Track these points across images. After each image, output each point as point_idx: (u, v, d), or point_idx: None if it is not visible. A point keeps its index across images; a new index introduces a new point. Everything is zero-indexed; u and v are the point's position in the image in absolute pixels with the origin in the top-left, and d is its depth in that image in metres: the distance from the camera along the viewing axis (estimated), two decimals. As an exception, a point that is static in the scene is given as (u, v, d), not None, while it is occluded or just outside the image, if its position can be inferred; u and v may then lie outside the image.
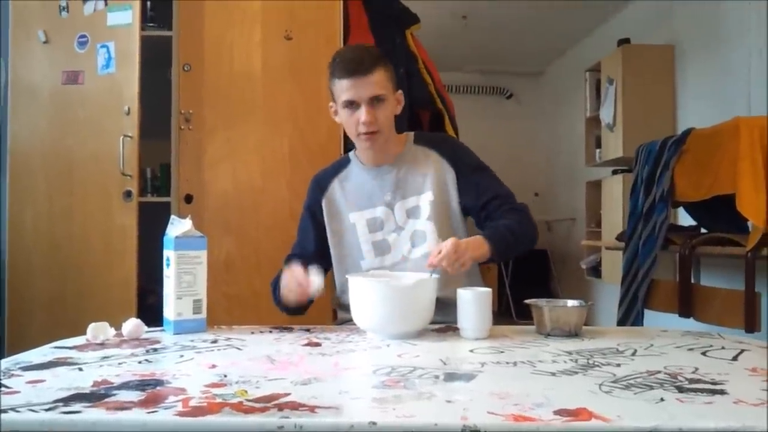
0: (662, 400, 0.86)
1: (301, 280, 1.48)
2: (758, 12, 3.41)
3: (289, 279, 1.52)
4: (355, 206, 1.71)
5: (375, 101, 1.60)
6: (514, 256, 1.70)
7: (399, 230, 1.68)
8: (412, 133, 1.78)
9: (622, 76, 4.36)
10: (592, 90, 5.03)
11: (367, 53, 1.62)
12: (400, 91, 1.70)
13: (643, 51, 4.42)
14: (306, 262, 1.53)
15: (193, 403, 0.83)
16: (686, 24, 4.21)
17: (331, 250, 1.72)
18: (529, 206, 1.70)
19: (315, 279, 1.46)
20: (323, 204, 1.73)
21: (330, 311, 1.83)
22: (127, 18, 2.67)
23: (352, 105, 1.61)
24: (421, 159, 1.72)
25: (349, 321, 1.55)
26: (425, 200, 1.67)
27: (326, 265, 1.70)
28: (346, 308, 1.61)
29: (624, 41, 4.49)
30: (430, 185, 1.68)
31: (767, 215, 2.23)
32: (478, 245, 1.49)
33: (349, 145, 2.79)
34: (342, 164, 1.79)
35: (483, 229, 1.62)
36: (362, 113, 1.59)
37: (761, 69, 3.38)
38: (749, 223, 2.36)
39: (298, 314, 1.64)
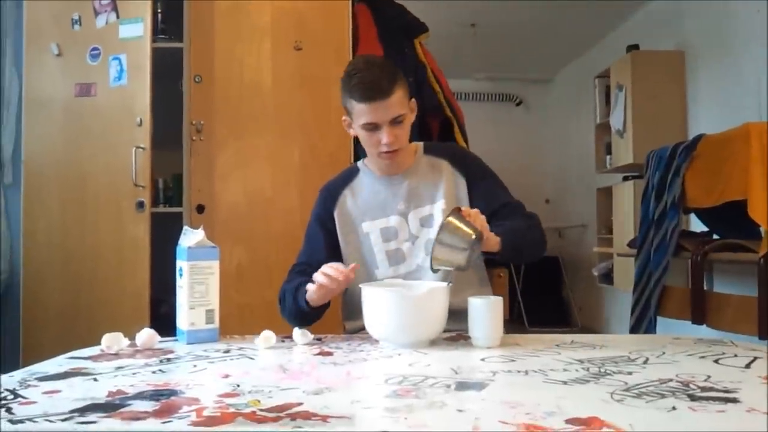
0: (674, 408, 0.85)
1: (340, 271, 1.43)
2: (768, 17, 3.39)
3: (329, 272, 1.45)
4: (368, 216, 1.71)
5: (395, 121, 1.59)
6: (522, 261, 1.65)
7: (413, 239, 1.68)
8: (421, 144, 1.78)
9: (632, 82, 4.35)
10: (602, 96, 5.03)
11: (383, 73, 1.56)
12: (413, 100, 1.69)
13: (653, 57, 4.41)
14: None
15: (206, 413, 0.84)
16: (696, 29, 4.20)
17: (345, 260, 1.70)
18: (539, 215, 1.69)
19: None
20: (335, 214, 1.72)
21: (341, 321, 1.82)
22: (138, 30, 2.70)
23: (372, 126, 1.59)
24: (433, 169, 1.72)
25: (360, 330, 1.55)
26: (438, 209, 1.67)
27: None
28: (353, 315, 1.63)
29: (633, 47, 4.48)
30: (442, 194, 1.69)
31: (780, 221, 2.22)
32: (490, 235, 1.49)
33: (359, 154, 2.81)
34: (351, 174, 1.79)
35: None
36: (384, 135, 1.58)
37: (772, 74, 3.37)
38: (761, 229, 2.35)
39: (308, 323, 1.61)
